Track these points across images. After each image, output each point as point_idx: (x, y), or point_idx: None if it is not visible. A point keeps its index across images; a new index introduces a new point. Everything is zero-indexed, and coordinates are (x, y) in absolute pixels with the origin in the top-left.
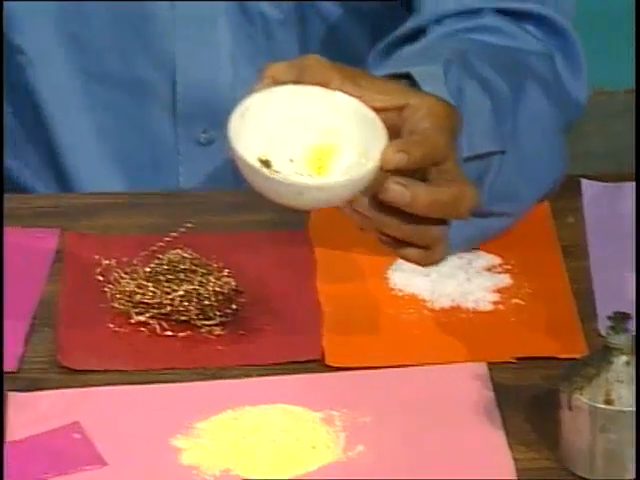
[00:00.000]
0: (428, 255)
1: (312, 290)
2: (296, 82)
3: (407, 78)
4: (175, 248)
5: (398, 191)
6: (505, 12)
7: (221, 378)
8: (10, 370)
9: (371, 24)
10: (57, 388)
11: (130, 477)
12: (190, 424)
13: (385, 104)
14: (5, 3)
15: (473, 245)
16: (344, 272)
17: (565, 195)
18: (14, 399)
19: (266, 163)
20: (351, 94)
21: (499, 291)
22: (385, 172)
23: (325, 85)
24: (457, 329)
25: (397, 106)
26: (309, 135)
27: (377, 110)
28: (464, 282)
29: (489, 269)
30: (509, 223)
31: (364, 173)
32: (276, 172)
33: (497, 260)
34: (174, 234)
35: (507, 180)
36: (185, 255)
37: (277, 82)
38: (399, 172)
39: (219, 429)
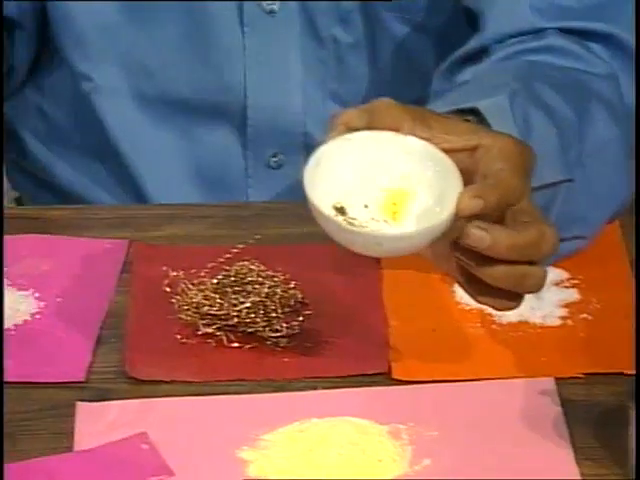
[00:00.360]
0: (505, 302)
1: (378, 303)
2: (368, 127)
3: (473, 112)
4: (242, 260)
5: (479, 236)
6: (569, 31)
7: (287, 390)
8: (78, 380)
9: (437, 40)
10: (124, 398)
11: None
12: (257, 436)
13: (457, 145)
14: (72, 30)
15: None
16: (411, 285)
17: (633, 211)
18: (82, 409)
19: (341, 210)
20: (422, 136)
21: (567, 306)
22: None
23: (397, 128)
24: (525, 344)
25: (469, 147)
26: (383, 180)
27: (448, 151)
28: (532, 297)
29: (557, 284)
30: (580, 245)
31: (440, 221)
32: (351, 219)
33: (565, 275)
34: (241, 246)
35: (575, 206)
36: (252, 267)
37: (350, 128)
38: (475, 216)
39: (285, 441)
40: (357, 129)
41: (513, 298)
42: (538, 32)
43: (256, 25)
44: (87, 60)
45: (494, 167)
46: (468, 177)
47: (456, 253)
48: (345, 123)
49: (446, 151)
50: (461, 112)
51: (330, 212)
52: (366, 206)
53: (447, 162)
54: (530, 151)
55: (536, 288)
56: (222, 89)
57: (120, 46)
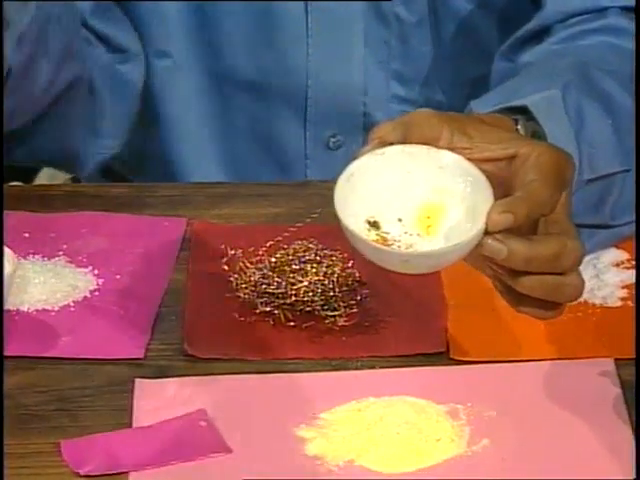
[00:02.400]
0: (544, 311)
1: (437, 283)
2: (404, 140)
3: (522, 108)
4: (301, 239)
5: (495, 247)
6: (632, 9)
7: (345, 369)
8: (137, 357)
9: (501, 18)
10: (182, 376)
11: (255, 465)
12: (314, 414)
13: (496, 154)
14: (148, 9)
15: (605, 247)
16: (469, 265)
17: None
18: (141, 386)
19: (375, 224)
20: (461, 146)
21: (627, 287)
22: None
23: (435, 139)
24: (584, 324)
25: (507, 155)
26: (417, 194)
27: (487, 160)
28: (592, 277)
29: (617, 265)
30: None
31: (469, 238)
32: (385, 233)
33: (625, 255)
34: (299, 224)
35: (632, 192)
36: (310, 246)
37: (385, 143)
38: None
39: (343, 420)
40: (392, 143)
41: (552, 307)
42: (600, 11)
43: (320, 5)
44: (166, 36)
45: (526, 178)
46: (507, 185)
47: (489, 263)
48: (380, 137)
49: (485, 160)
50: (510, 110)
51: (362, 226)
52: (400, 220)
53: (480, 177)
54: (568, 160)
55: (573, 297)
56: (285, 70)
57: (194, 24)
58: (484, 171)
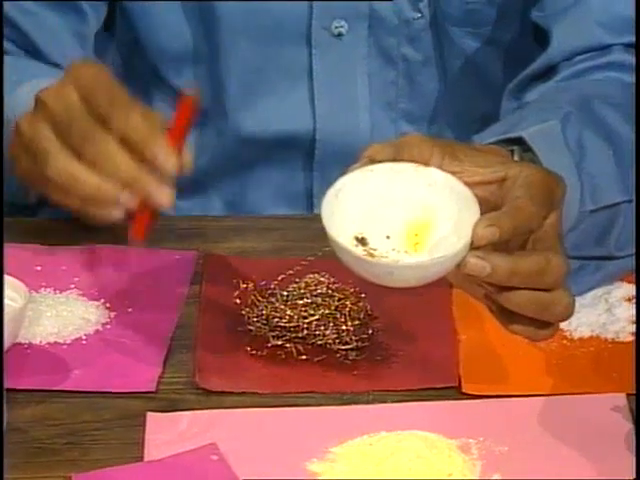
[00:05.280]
0: (537, 330)
1: (448, 317)
2: (394, 161)
3: (520, 140)
4: (312, 272)
5: (477, 265)
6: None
7: (356, 403)
8: (149, 391)
9: (507, 55)
10: (194, 409)
11: None
12: (326, 449)
13: (486, 178)
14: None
15: (612, 281)
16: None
17: None
18: (152, 419)
19: (362, 241)
20: (451, 170)
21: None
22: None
23: (424, 162)
24: (596, 359)
25: (497, 179)
26: (405, 211)
27: (478, 184)
28: (604, 312)
29: (629, 299)
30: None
31: (456, 251)
32: (372, 249)
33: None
34: (311, 258)
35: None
36: (322, 279)
37: (374, 161)
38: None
39: (355, 454)
40: (382, 162)
41: (544, 327)
42: (605, 48)
43: (323, 49)
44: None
45: (513, 195)
46: (498, 209)
47: (478, 282)
48: (369, 156)
49: (475, 184)
50: (508, 142)
51: (350, 242)
52: (388, 237)
53: (467, 193)
54: (558, 181)
55: (564, 316)
56: (291, 114)
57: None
58: (475, 195)
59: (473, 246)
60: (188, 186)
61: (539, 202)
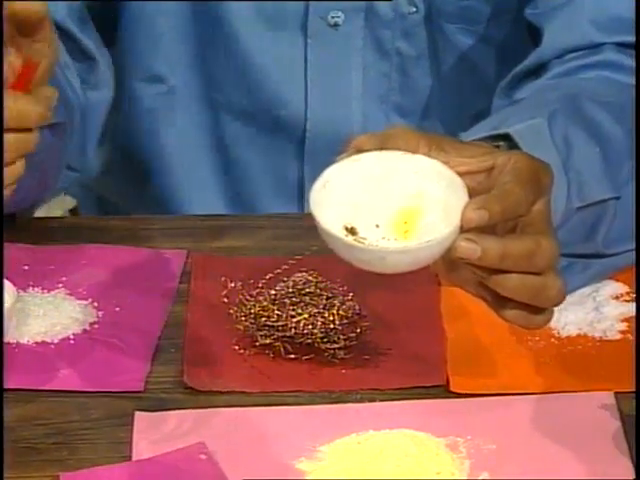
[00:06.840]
0: (530, 316)
1: (436, 316)
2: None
3: (506, 137)
4: (300, 271)
5: (468, 248)
6: (627, 45)
7: (345, 402)
8: (137, 390)
9: (501, 52)
10: (182, 408)
11: None
12: (314, 447)
13: (473, 167)
14: (149, 31)
15: (600, 280)
16: (468, 298)
17: None
18: (140, 418)
19: (352, 230)
20: (439, 160)
21: (627, 320)
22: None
23: (410, 153)
24: (584, 358)
25: (485, 168)
26: (394, 199)
27: (465, 173)
28: (592, 310)
29: (616, 297)
30: (635, 259)
31: (446, 235)
32: (362, 239)
33: (624, 288)
34: (299, 257)
35: (627, 221)
36: (310, 278)
37: (361, 152)
38: (481, 228)
39: (343, 453)
40: (368, 152)
41: (537, 312)
42: (596, 47)
43: (319, 38)
44: (164, 62)
45: (502, 180)
46: None
47: (468, 265)
48: (356, 146)
49: (463, 173)
50: (494, 138)
51: (340, 232)
52: (377, 226)
53: (454, 178)
54: (546, 168)
55: (557, 301)
56: (283, 103)
57: (192, 50)
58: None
59: (463, 229)
60: (183, 180)
61: (529, 187)
